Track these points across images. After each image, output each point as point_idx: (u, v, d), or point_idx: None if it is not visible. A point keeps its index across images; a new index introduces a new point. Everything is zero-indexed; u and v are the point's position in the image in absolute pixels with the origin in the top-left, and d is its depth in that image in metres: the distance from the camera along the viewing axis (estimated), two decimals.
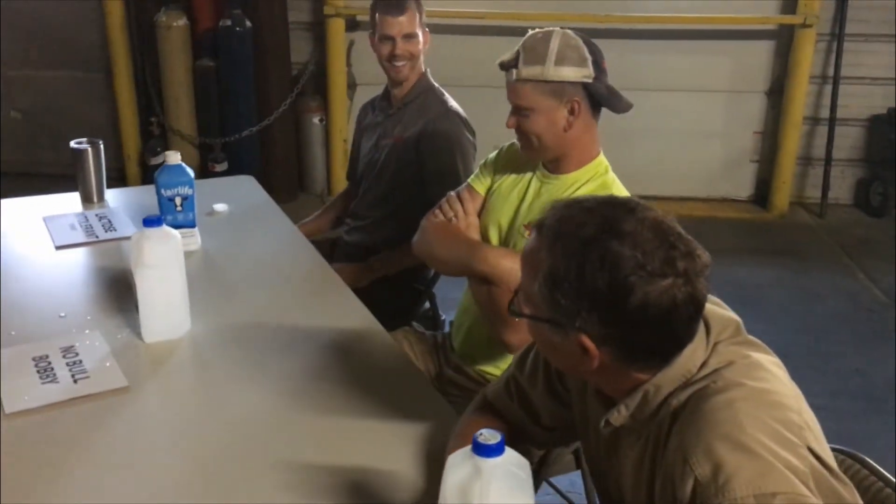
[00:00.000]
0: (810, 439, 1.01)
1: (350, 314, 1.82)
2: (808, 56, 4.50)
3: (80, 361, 1.58)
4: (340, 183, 4.63)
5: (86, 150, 2.35)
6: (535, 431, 1.37)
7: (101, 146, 2.38)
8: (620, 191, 1.75)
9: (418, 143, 2.38)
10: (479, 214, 1.89)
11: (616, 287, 1.00)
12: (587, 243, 1.02)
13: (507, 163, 1.89)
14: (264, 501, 1.25)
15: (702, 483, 0.95)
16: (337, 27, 4.60)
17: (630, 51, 4.77)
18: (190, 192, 2.05)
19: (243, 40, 4.52)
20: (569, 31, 1.70)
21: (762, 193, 4.90)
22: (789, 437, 0.98)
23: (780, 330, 3.53)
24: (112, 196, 2.46)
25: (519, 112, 1.71)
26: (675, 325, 1.03)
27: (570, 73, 1.66)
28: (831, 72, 4.64)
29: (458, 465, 0.99)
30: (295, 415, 1.47)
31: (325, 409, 1.48)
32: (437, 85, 2.48)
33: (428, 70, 2.49)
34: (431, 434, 1.41)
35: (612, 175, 1.77)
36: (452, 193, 1.91)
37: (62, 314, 1.78)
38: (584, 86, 1.68)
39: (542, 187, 1.80)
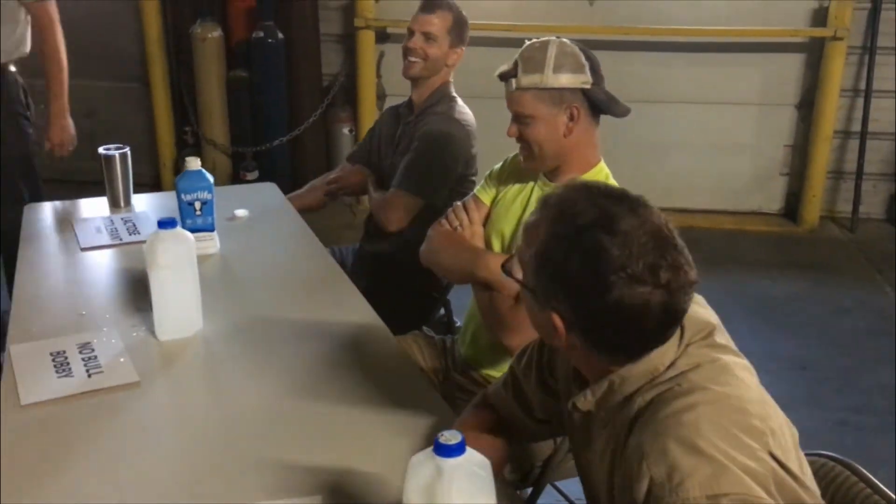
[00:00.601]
0: (772, 445, 1.01)
1: (360, 318, 1.86)
2: (838, 69, 4.46)
3: (96, 357, 1.64)
4: None
5: (113, 157, 2.43)
6: (528, 423, 1.40)
7: (129, 153, 2.45)
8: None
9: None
10: (484, 224, 1.92)
11: (595, 282, 1.02)
12: (580, 232, 1.04)
13: (510, 173, 1.92)
14: (268, 496, 1.28)
15: (656, 483, 0.97)
16: (367, 39, 4.68)
17: (659, 63, 4.78)
18: (209, 196, 2.11)
19: (276, 52, 4.62)
20: (565, 40, 1.73)
21: (792, 207, 4.85)
22: (748, 441, 0.99)
23: (806, 343, 3.50)
24: (139, 201, 2.53)
25: (520, 121, 1.74)
26: (644, 329, 1.04)
27: (569, 79, 1.69)
28: (863, 85, 4.59)
29: (421, 465, 1.01)
30: (300, 413, 1.51)
31: (330, 409, 1.52)
32: (456, 95, 2.51)
33: (452, 81, 2.51)
34: (431, 433, 1.44)
35: (613, 183, 1.79)
36: (459, 203, 1.95)
37: (82, 312, 1.85)
38: (583, 92, 1.71)
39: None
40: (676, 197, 4.74)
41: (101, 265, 2.14)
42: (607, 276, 1.01)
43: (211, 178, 2.13)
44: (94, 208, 2.50)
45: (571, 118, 1.72)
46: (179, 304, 1.73)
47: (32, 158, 3.00)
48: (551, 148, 1.75)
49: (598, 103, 1.73)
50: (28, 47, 2.99)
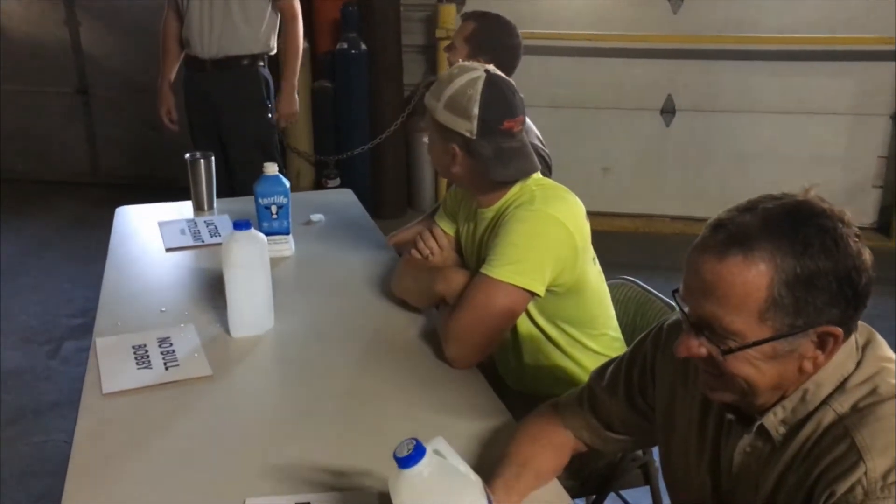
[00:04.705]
0: None
1: (428, 325, 1.88)
2: None
3: (173, 351, 1.72)
4: None
5: (198, 161, 2.54)
6: (606, 437, 1.42)
7: (213, 158, 2.56)
8: (559, 201, 1.71)
9: None
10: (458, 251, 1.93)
11: (853, 264, 1.00)
12: (802, 224, 1.00)
13: (454, 202, 1.95)
14: (327, 489, 1.32)
15: (870, 479, 0.96)
16: None
17: (747, 72, 4.69)
18: (285, 201, 2.19)
19: (359, 62, 4.73)
20: (481, 79, 1.66)
21: (886, 220, 4.67)
22: None
23: None
24: (222, 204, 2.64)
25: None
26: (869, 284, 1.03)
27: (450, 120, 1.68)
28: None
29: (395, 485, 1.06)
30: (364, 414, 1.55)
31: (389, 410, 1.56)
32: None
33: None
34: (489, 438, 1.46)
35: (541, 194, 1.71)
36: (425, 231, 1.94)
37: (163, 309, 1.94)
38: (465, 140, 1.68)
39: (478, 225, 1.83)
40: None
41: (184, 265, 2.24)
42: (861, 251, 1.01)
43: (287, 183, 2.21)
44: (179, 211, 2.62)
45: (452, 157, 1.72)
46: (252, 303, 1.80)
47: (272, 137, 3.65)
48: (441, 171, 1.80)
49: (476, 157, 1.68)
50: (274, 45, 3.56)
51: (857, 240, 1.02)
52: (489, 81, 1.67)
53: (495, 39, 2.40)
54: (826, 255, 0.99)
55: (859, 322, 1.09)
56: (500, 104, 1.68)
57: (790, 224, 1.01)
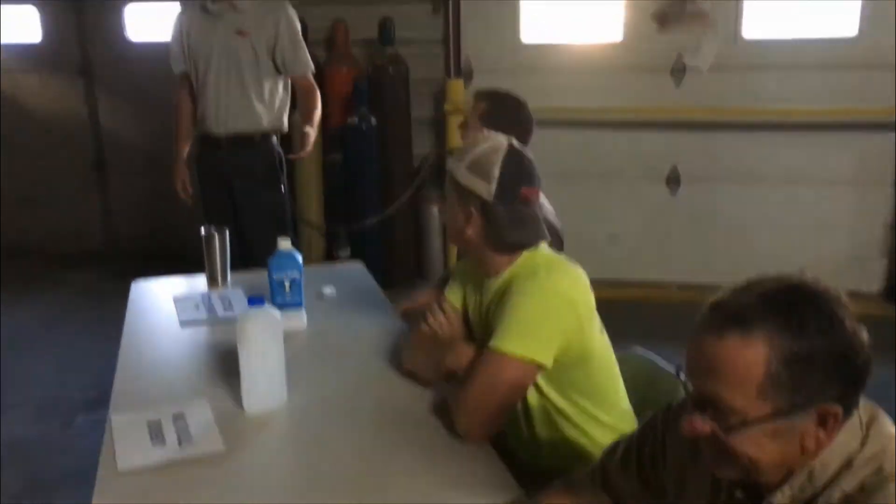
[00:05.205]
0: None
1: (434, 398, 1.89)
2: None
3: (187, 427, 1.74)
4: None
5: (213, 236, 2.59)
6: None
7: (227, 233, 2.61)
8: (562, 273, 1.75)
9: None
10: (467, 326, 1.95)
11: (851, 343, 1.03)
12: (798, 304, 1.03)
13: (463, 275, 1.98)
14: None
15: None
16: (456, 122, 4.84)
17: (749, 142, 4.77)
18: (298, 275, 2.23)
19: (369, 136, 4.84)
20: (504, 147, 1.75)
21: (893, 288, 4.68)
22: None
23: None
24: (235, 277, 2.68)
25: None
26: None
27: (471, 181, 1.74)
28: None
29: None
30: (373, 488, 1.56)
31: (401, 485, 1.57)
32: None
33: None
34: None
35: (545, 267, 1.76)
36: (434, 304, 1.97)
37: (178, 384, 1.97)
38: (482, 202, 1.74)
39: (484, 296, 1.86)
40: None
41: (198, 340, 2.27)
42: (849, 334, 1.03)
43: (300, 259, 2.26)
44: (193, 285, 2.66)
45: (467, 220, 1.77)
46: (265, 379, 1.82)
47: (285, 210, 3.72)
48: (453, 235, 1.84)
49: (492, 220, 1.74)
50: (286, 124, 3.67)
51: (853, 320, 1.05)
52: (512, 150, 1.76)
53: (508, 116, 2.47)
54: (822, 335, 1.02)
55: (863, 399, 1.11)
56: (520, 171, 1.76)
57: (787, 304, 1.04)
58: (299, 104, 3.69)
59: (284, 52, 3.51)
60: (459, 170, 1.76)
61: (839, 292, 1.07)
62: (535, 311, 1.70)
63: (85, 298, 5.00)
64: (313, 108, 3.63)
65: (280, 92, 3.59)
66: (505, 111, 2.49)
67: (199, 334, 2.31)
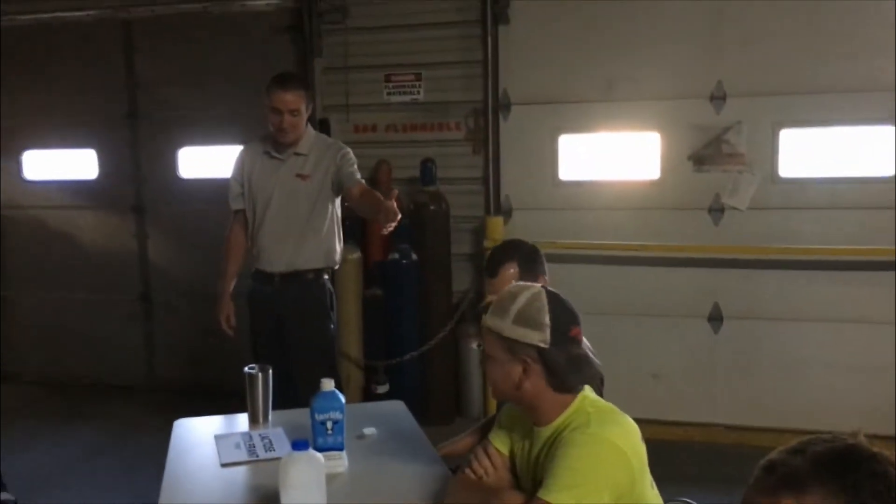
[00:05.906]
0: None
1: None
2: None
3: None
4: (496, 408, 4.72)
5: (256, 375, 2.61)
6: None
7: (270, 372, 2.63)
8: (614, 424, 1.73)
9: None
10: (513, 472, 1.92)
11: None
12: (852, 467, 1.02)
13: (510, 420, 1.95)
14: None
15: None
16: None
17: (789, 280, 4.75)
18: (340, 416, 2.22)
19: (409, 272, 4.91)
20: (543, 292, 1.77)
21: None
22: None
23: None
24: (276, 416, 2.67)
25: (486, 356, 1.81)
26: None
27: (524, 333, 1.73)
28: None
29: None
30: None
31: None
32: None
33: None
34: None
35: (597, 416, 1.75)
36: (480, 449, 1.95)
37: None
38: (539, 350, 1.73)
39: (534, 444, 1.84)
40: (819, 418, 4.49)
41: (238, 481, 2.25)
42: None
43: (343, 399, 2.25)
44: (234, 424, 2.66)
45: (524, 371, 1.75)
46: None
47: (333, 347, 3.79)
48: (504, 392, 1.81)
49: (551, 365, 1.74)
50: (338, 260, 3.69)
51: None
52: (550, 294, 1.78)
53: (536, 262, 2.55)
54: (876, 499, 1.01)
55: None
56: (566, 313, 1.77)
57: (840, 468, 1.03)
58: (365, 206, 3.48)
59: (342, 170, 3.56)
60: (505, 325, 1.76)
61: (893, 456, 1.06)
62: (586, 462, 1.67)
63: (124, 432, 5.00)
64: (378, 197, 3.35)
65: (335, 230, 3.68)
66: (532, 260, 2.54)
67: (240, 475, 2.28)
